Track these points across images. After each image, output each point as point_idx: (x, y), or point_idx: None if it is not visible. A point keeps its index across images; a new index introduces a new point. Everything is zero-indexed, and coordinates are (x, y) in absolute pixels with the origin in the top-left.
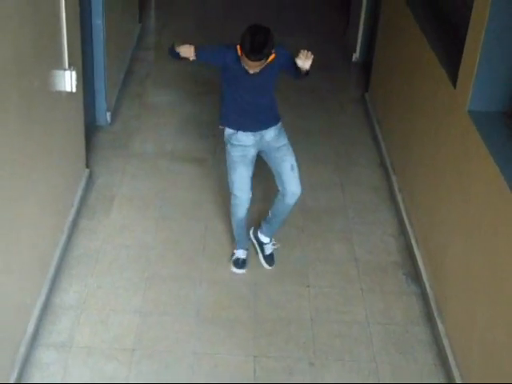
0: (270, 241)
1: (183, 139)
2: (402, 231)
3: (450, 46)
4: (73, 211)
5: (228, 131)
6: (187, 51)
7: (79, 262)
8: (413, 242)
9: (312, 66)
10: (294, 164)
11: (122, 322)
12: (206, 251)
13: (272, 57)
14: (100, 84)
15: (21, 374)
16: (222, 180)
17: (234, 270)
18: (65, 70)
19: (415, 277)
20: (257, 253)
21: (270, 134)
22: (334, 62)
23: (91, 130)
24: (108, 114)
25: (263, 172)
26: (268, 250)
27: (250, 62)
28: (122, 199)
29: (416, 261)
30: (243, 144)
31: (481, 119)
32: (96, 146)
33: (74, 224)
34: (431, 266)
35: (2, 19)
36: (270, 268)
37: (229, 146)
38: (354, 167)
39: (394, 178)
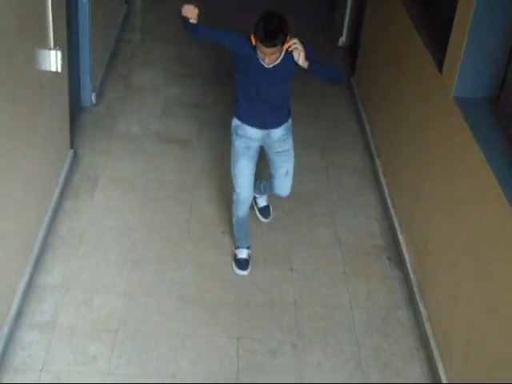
0: (261, 196)
1: (168, 121)
2: (386, 215)
3: (436, 32)
4: (57, 192)
5: (235, 122)
6: (190, 10)
7: (63, 243)
8: (396, 226)
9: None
10: (290, 170)
11: (105, 302)
12: (190, 233)
13: (287, 45)
14: (85, 64)
15: (4, 353)
16: (206, 162)
17: (238, 271)
18: (50, 49)
19: (398, 261)
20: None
21: (278, 133)
22: (320, 46)
23: (76, 110)
24: (93, 95)
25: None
26: (262, 202)
27: (266, 49)
28: (107, 180)
29: (399, 245)
30: (248, 136)
31: (466, 105)
32: (81, 126)
33: (58, 205)
34: (414, 251)
35: None
36: (265, 221)
37: (234, 136)
38: (339, 151)
39: (378, 162)
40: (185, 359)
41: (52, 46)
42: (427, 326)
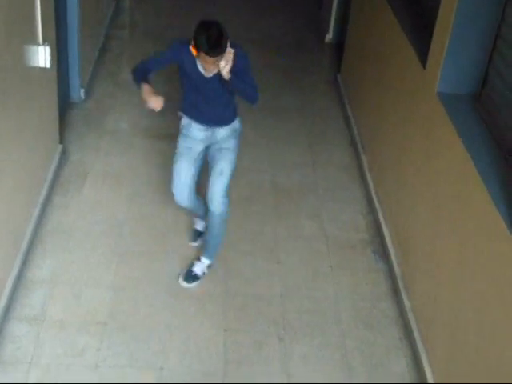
0: (211, 261)
1: (157, 117)
2: (371, 209)
3: (420, 28)
4: (46, 187)
5: (184, 121)
6: (158, 102)
7: (52, 237)
8: (381, 219)
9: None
10: (226, 171)
11: (94, 296)
12: (177, 227)
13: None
14: (74, 60)
15: None
16: None
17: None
18: (38, 45)
19: (383, 254)
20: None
21: (222, 132)
22: (306, 43)
23: (65, 106)
24: (82, 91)
25: None
26: (196, 268)
27: (211, 59)
28: (96, 176)
29: (384, 238)
30: (193, 137)
31: (450, 101)
32: (70, 122)
33: (48, 199)
34: (399, 244)
35: None
36: (185, 285)
37: (180, 135)
38: (325, 146)
39: (363, 158)
40: (173, 351)
41: (41, 42)
42: (411, 317)
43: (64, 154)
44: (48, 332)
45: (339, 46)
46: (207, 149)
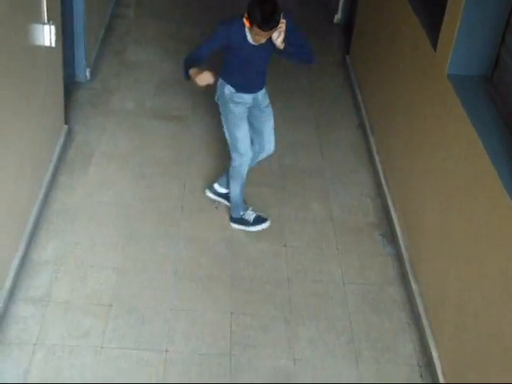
0: (245, 211)
1: (163, 97)
2: (379, 192)
3: (431, 9)
4: (51, 167)
5: (230, 90)
6: (206, 79)
7: (57, 218)
8: (389, 203)
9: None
10: (273, 123)
11: (99, 278)
12: (184, 209)
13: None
14: (79, 40)
15: None
16: (201, 138)
17: (262, 226)
18: (44, 24)
19: (391, 238)
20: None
21: (262, 92)
22: (315, 24)
23: (70, 86)
24: (87, 71)
25: None
26: (250, 217)
27: (264, 33)
28: (101, 156)
29: (392, 222)
30: (244, 101)
31: (460, 83)
32: (75, 102)
33: (53, 180)
34: (407, 228)
35: None
36: (264, 227)
37: (231, 104)
38: (333, 128)
39: (372, 140)
40: (178, 334)
41: (46, 21)
42: (419, 302)
43: (69, 134)
44: (53, 313)
45: (348, 26)
46: (251, 111)
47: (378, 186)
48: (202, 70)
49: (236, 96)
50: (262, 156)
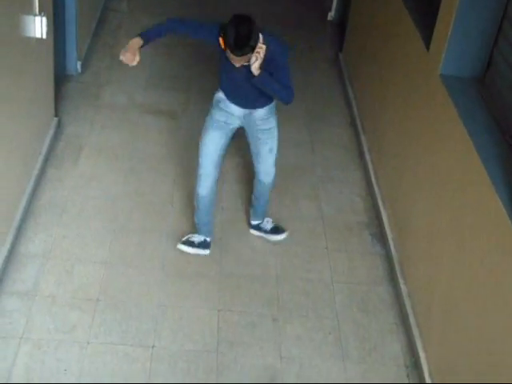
0: (263, 220)
1: (154, 92)
2: (370, 191)
3: (425, 9)
4: (40, 160)
5: (220, 95)
6: (130, 59)
7: (45, 211)
8: (379, 202)
9: (261, 66)
10: (274, 147)
11: (87, 272)
12: (173, 205)
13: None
14: (71, 32)
15: None
16: (191, 134)
17: (181, 246)
18: (35, 15)
19: (380, 237)
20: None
21: (260, 113)
22: (309, 21)
23: (61, 78)
24: (78, 64)
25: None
26: (266, 225)
27: (235, 58)
28: (91, 149)
29: (382, 221)
30: (232, 113)
31: (452, 84)
32: (65, 95)
33: (42, 172)
34: (396, 228)
35: None
36: (282, 238)
37: (215, 109)
38: (324, 126)
39: (363, 138)
40: (165, 330)
41: (37, 12)
42: (407, 302)
43: (59, 127)
44: (40, 307)
45: (341, 24)
46: (246, 130)
47: (369, 184)
48: (135, 50)
49: (224, 104)
50: (264, 179)
